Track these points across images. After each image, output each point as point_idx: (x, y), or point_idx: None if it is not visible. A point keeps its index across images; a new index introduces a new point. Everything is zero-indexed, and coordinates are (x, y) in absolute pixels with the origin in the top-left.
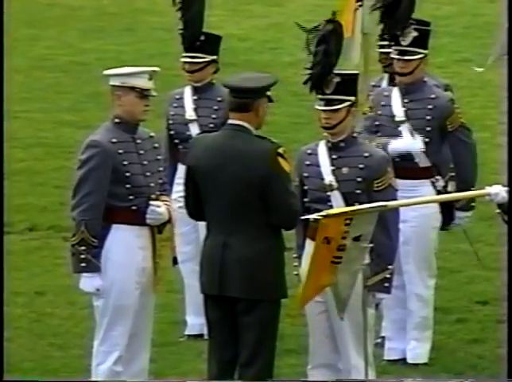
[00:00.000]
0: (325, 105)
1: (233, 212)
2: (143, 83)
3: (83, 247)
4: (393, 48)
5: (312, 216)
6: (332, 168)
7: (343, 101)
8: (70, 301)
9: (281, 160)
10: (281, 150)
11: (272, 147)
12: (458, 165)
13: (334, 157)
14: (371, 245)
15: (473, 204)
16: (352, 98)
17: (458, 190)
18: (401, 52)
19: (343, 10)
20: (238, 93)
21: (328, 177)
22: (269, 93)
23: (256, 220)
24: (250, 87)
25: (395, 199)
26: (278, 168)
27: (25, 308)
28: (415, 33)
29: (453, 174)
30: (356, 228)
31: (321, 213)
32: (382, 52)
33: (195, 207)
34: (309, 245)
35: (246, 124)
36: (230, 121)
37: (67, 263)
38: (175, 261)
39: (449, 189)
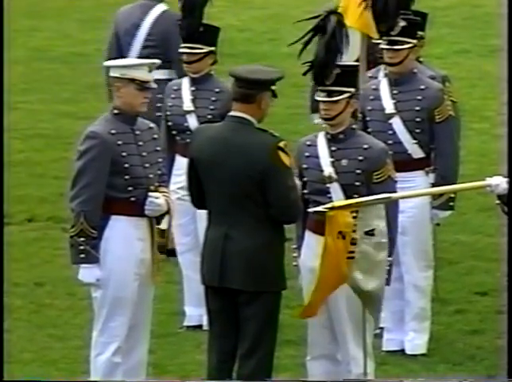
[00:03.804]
0: (325, 96)
1: (234, 205)
2: (142, 75)
3: (81, 239)
4: (383, 38)
5: (318, 209)
6: (331, 160)
7: (342, 92)
8: (69, 292)
9: (281, 154)
10: (282, 144)
11: (273, 141)
12: (439, 160)
13: (333, 148)
14: (385, 240)
15: (452, 203)
16: (352, 89)
17: (436, 185)
18: (390, 42)
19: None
20: (243, 83)
21: (327, 169)
22: (273, 87)
23: (257, 213)
24: (256, 78)
25: (395, 191)
26: (278, 162)
27: (25, 299)
28: (403, 23)
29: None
30: (365, 222)
31: (327, 206)
32: (379, 43)
33: (198, 198)
34: (309, 236)
35: (248, 116)
36: (232, 113)
37: (66, 254)
38: (171, 253)
39: (430, 180)
